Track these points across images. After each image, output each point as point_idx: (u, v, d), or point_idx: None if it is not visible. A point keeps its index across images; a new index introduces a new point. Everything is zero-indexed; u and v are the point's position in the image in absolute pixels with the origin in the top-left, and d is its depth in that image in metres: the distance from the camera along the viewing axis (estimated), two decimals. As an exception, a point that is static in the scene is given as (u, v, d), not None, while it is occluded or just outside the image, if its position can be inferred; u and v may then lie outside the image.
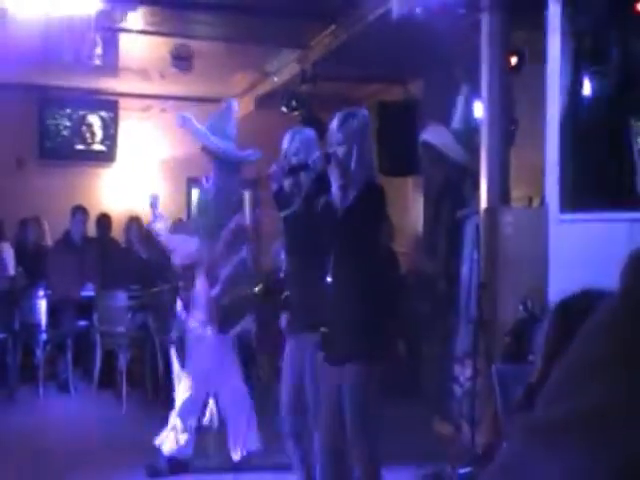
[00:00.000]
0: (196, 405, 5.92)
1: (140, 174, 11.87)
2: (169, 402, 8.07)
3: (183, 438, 5.79)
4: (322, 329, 4.35)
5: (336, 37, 8.25)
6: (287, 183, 4.80)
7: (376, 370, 4.18)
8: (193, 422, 5.88)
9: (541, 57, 5.54)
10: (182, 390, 5.90)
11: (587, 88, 5.35)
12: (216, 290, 5.77)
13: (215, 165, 6.02)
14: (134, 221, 9.86)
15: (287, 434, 4.89)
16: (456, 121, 6.62)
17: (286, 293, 5.01)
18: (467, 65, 6.75)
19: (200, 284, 5.84)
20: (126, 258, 9.49)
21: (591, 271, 4.72)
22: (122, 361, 8.07)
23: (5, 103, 10.52)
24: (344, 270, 4.26)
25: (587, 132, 5.33)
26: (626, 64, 5.19)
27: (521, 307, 4.82)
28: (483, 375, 5.41)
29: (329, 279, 4.35)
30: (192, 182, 12.28)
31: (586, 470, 0.73)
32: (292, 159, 4.77)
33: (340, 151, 4.25)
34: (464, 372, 5.66)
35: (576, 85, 5.32)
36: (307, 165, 4.64)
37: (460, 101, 6.65)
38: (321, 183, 4.49)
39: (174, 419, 5.84)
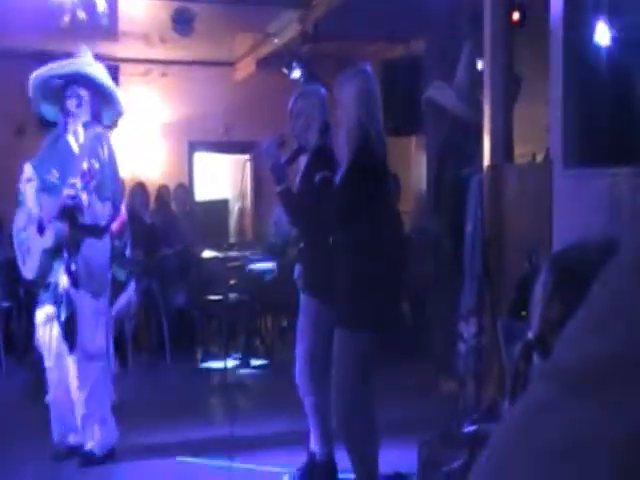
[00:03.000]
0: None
1: (142, 139, 11.82)
2: (175, 368, 8.16)
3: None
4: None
5: (337, -4, 8.16)
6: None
7: (363, 337, 4.14)
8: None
9: (545, 11, 5.46)
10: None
11: (591, 42, 5.28)
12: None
13: None
14: (137, 186, 9.84)
15: (302, 393, 4.85)
16: (459, 78, 6.55)
17: (301, 245, 4.94)
18: (470, 21, 6.68)
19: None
20: (130, 224, 9.46)
21: (595, 226, 4.70)
22: (127, 327, 8.07)
23: (4, 70, 10.45)
24: (341, 235, 4.24)
25: (591, 87, 5.27)
26: (630, 17, 5.13)
27: (526, 263, 4.79)
28: (488, 332, 5.40)
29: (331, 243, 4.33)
30: (194, 146, 12.25)
31: (598, 420, 0.71)
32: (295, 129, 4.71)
33: (338, 116, 4.21)
34: (469, 329, 5.65)
35: (580, 40, 5.26)
36: (304, 148, 4.60)
37: (463, 58, 6.58)
38: (319, 156, 4.45)
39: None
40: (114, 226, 5.41)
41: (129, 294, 5.81)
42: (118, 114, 5.55)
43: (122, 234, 5.52)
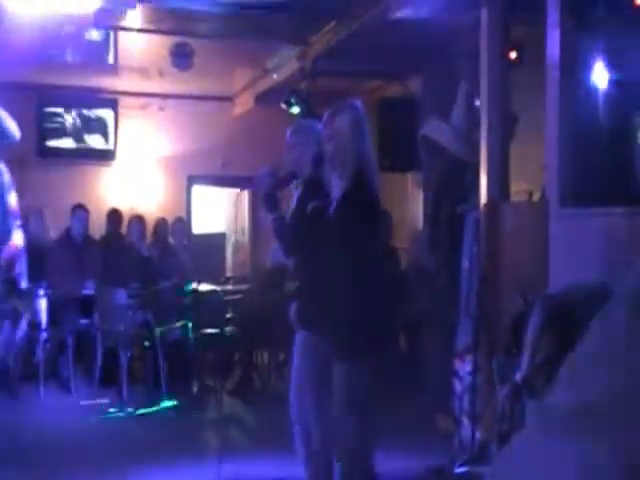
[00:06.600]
0: None
1: (140, 172, 11.87)
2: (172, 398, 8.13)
3: None
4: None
5: (336, 34, 8.24)
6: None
7: (365, 370, 4.14)
8: None
9: (542, 52, 5.52)
10: None
11: (587, 82, 5.33)
12: None
13: None
14: (135, 219, 9.87)
15: (294, 422, 4.82)
16: (455, 116, 6.60)
17: (297, 283, 4.94)
18: (467, 60, 6.74)
19: None
20: (127, 256, 9.49)
21: (591, 265, 4.72)
22: (123, 359, 8.06)
23: (3, 102, 10.49)
24: (335, 268, 4.24)
25: (587, 126, 5.31)
26: (626, 58, 5.18)
27: (521, 301, 4.80)
28: (483, 370, 5.40)
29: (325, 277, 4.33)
30: (192, 180, 12.30)
31: (598, 454, 0.73)
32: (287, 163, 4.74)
33: (328, 148, 4.23)
34: (464, 367, 5.65)
35: (576, 80, 5.31)
36: (294, 174, 4.62)
37: (460, 96, 6.63)
38: (312, 188, 4.47)
39: None
40: (3, 257, 5.32)
41: (23, 329, 5.69)
42: (9, 141, 5.44)
43: (13, 265, 5.42)
